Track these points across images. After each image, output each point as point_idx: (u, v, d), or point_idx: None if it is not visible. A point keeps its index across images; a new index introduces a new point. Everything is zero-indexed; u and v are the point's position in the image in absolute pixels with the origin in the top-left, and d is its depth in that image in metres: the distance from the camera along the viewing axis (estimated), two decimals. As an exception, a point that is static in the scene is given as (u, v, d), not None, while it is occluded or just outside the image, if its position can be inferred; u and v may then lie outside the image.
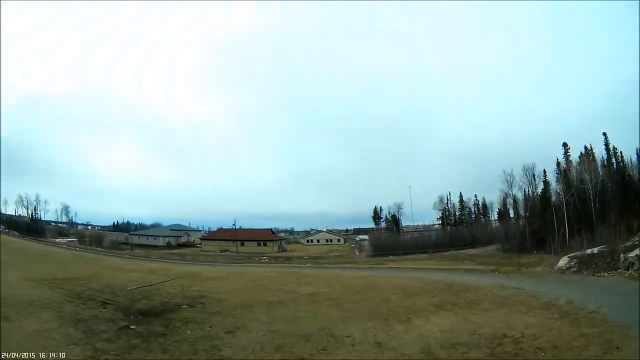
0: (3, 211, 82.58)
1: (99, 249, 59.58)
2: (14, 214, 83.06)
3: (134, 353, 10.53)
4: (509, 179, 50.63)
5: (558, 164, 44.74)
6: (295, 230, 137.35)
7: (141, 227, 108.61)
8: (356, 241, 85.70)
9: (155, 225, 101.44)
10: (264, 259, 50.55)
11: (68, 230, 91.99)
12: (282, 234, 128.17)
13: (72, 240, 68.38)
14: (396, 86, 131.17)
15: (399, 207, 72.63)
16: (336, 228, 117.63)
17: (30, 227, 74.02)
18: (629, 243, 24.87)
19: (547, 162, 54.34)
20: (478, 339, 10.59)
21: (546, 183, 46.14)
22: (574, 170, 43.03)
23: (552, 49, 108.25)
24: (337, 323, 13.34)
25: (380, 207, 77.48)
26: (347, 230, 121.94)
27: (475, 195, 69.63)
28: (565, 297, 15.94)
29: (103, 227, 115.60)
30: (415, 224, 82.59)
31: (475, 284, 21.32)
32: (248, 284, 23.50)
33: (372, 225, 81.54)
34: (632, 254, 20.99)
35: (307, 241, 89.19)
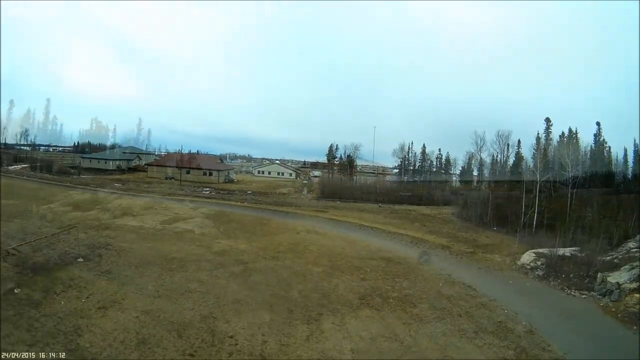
0: None
1: (47, 176, 53.68)
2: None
3: (2, 329, 9.46)
4: (479, 141, 45.36)
5: (538, 138, 39.32)
6: (253, 157, 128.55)
7: (100, 147, 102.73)
8: (309, 177, 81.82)
9: (113, 147, 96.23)
10: (205, 190, 46.74)
11: (27, 154, 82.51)
12: (238, 160, 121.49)
13: (25, 167, 61.48)
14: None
15: (356, 147, 65.42)
16: (294, 159, 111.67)
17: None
18: (609, 257, 21.18)
19: (524, 134, 50.73)
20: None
21: (519, 156, 40.73)
22: (553, 150, 37.66)
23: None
24: (228, 310, 12.05)
25: (337, 145, 68.45)
26: (304, 163, 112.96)
27: (440, 149, 62.94)
28: (527, 321, 13.59)
29: (64, 149, 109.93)
30: (375, 163, 75.56)
31: (420, 265, 18.39)
32: (163, 228, 21.81)
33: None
34: (611, 278, 17.66)
35: (258, 172, 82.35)
